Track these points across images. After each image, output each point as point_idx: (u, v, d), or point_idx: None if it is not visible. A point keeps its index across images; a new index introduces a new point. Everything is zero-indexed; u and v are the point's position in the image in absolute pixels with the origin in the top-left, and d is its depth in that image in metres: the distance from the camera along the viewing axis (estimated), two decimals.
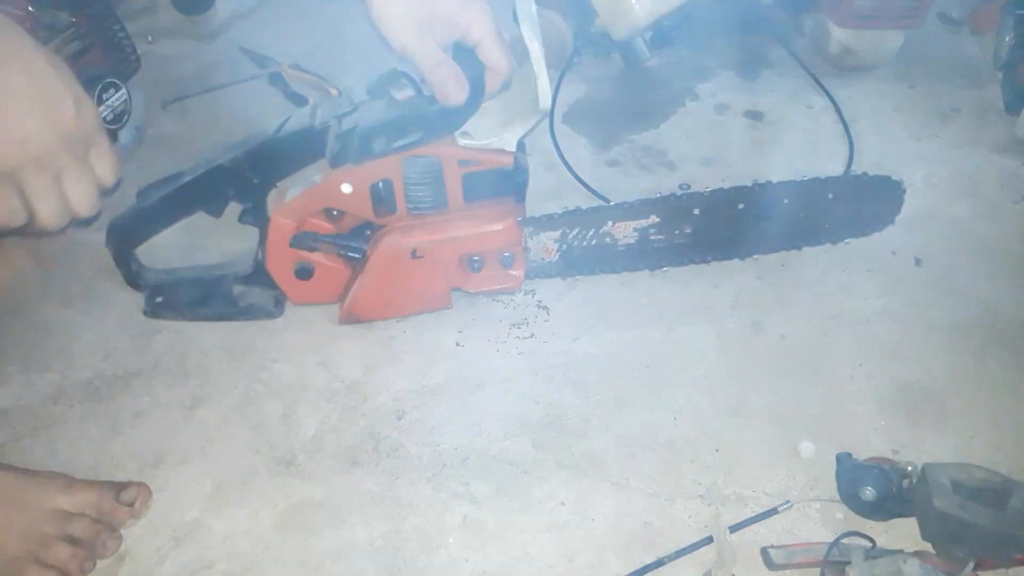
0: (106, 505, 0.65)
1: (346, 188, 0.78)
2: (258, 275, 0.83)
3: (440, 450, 0.72)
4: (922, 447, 0.72)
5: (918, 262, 0.90)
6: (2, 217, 0.58)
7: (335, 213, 0.82)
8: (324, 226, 0.81)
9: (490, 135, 0.78)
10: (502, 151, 0.79)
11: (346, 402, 0.77)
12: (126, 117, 1.00)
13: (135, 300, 0.86)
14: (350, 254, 0.82)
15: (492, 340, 0.83)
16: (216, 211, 0.81)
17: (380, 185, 0.79)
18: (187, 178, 0.80)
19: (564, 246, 0.84)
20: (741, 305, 0.86)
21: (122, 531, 0.66)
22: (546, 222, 0.83)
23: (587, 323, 0.84)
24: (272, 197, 0.81)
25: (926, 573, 0.58)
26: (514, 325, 0.84)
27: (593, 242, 0.84)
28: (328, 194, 0.79)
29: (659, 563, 0.63)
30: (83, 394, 0.78)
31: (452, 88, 0.72)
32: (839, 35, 1.19)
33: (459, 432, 0.74)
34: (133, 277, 0.85)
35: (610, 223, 0.83)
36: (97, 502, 0.65)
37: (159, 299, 0.85)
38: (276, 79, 1.17)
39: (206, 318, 0.85)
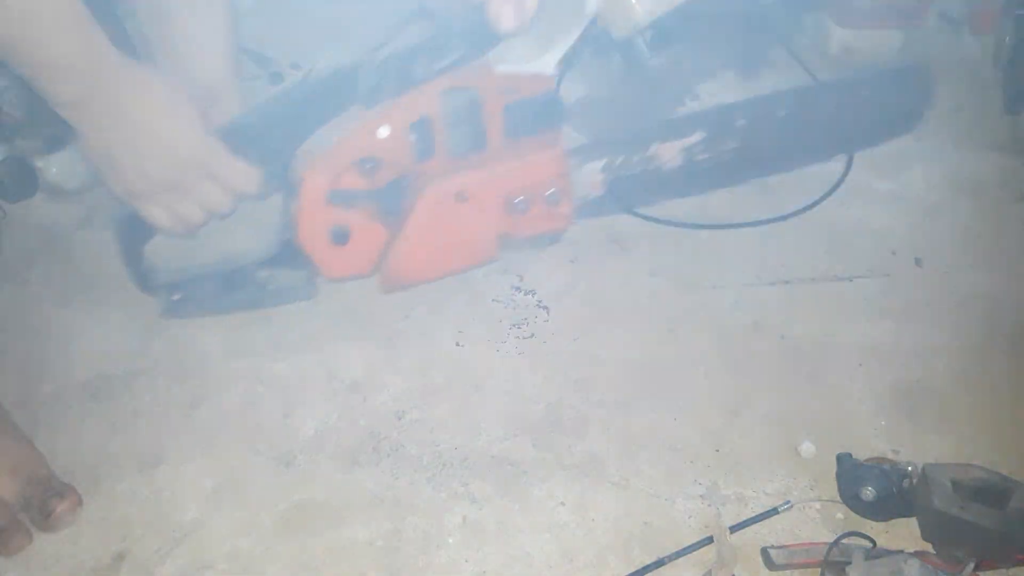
0: (33, 504, 0.66)
1: (383, 131, 0.73)
2: (285, 254, 0.78)
3: (440, 450, 0.72)
4: (922, 447, 0.71)
5: (918, 262, 0.90)
6: (168, 226, 0.77)
7: (369, 167, 0.76)
8: (358, 182, 0.76)
9: (528, 59, 0.74)
10: (542, 75, 0.75)
11: (346, 402, 0.77)
12: None
13: (136, 299, 0.86)
14: (390, 209, 0.76)
15: (492, 340, 0.83)
16: None
17: (419, 125, 0.74)
18: None
19: (611, 176, 0.79)
20: (741, 305, 0.86)
21: (120, 531, 0.66)
22: (591, 150, 0.79)
23: (587, 323, 0.84)
24: (300, 156, 0.76)
25: (926, 573, 0.58)
26: (514, 325, 0.84)
27: (639, 169, 0.79)
28: (364, 141, 0.73)
29: (659, 563, 0.63)
30: (83, 394, 0.78)
31: (508, 10, 0.68)
32: (839, 35, 1.19)
33: (459, 432, 0.74)
34: (142, 277, 0.80)
35: (655, 145, 0.79)
36: (21, 496, 0.66)
37: (176, 297, 0.81)
38: (276, 79, 1.17)
39: (232, 309, 0.80)
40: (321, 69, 0.75)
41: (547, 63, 0.74)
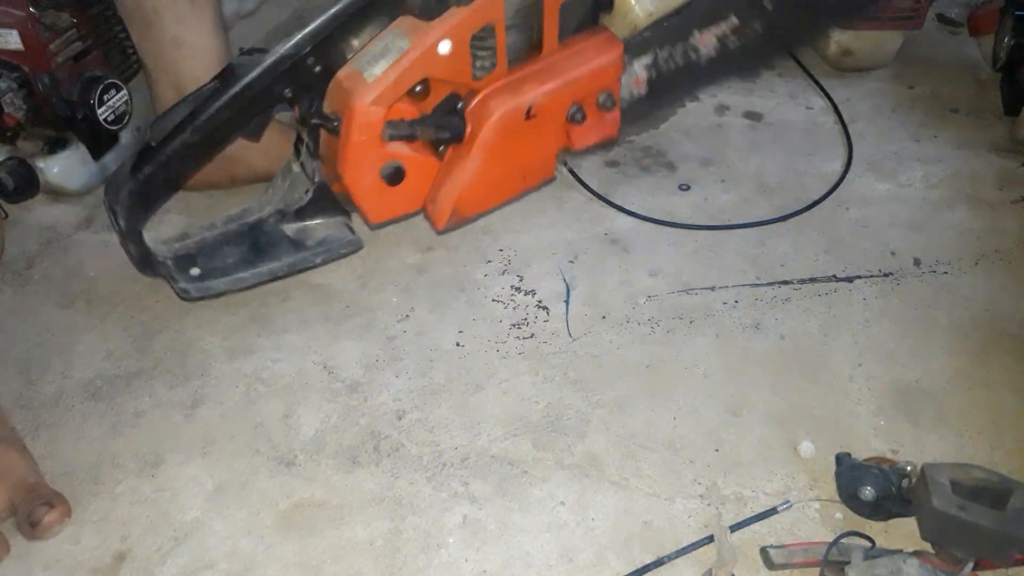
0: (20, 512, 0.65)
1: (444, 47, 0.64)
2: (319, 201, 0.69)
3: (440, 450, 0.73)
4: (922, 447, 0.72)
5: (918, 262, 0.91)
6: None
7: (418, 90, 0.67)
8: (409, 110, 0.66)
9: None
10: None
11: (346, 402, 0.77)
12: (127, 118, 1.00)
13: (136, 299, 0.87)
14: (450, 135, 0.66)
15: (492, 340, 0.83)
16: (258, 130, 0.67)
17: (480, 35, 0.65)
18: (234, 89, 0.61)
19: (654, 72, 0.75)
20: (741, 305, 0.86)
21: (121, 531, 0.66)
22: (639, 46, 0.74)
23: (587, 323, 0.84)
24: (343, 84, 0.65)
25: (925, 573, 0.58)
26: (514, 325, 0.84)
27: (680, 61, 0.75)
28: (424, 61, 0.64)
29: (659, 563, 0.63)
30: (84, 394, 0.78)
31: None
32: (838, 36, 1.19)
33: (459, 432, 0.74)
34: (143, 256, 0.69)
35: (696, 33, 0.75)
36: (8, 503, 0.66)
37: (195, 271, 0.69)
38: None
39: (272, 275, 0.69)
40: None
41: None
